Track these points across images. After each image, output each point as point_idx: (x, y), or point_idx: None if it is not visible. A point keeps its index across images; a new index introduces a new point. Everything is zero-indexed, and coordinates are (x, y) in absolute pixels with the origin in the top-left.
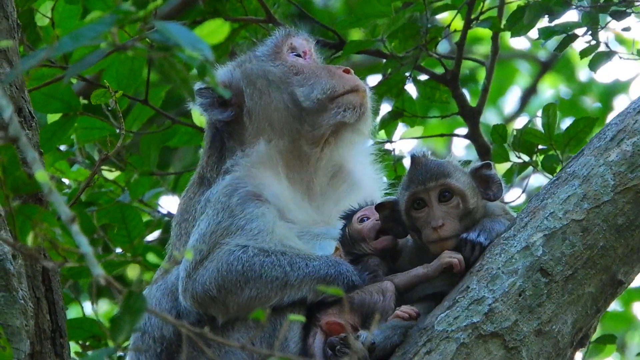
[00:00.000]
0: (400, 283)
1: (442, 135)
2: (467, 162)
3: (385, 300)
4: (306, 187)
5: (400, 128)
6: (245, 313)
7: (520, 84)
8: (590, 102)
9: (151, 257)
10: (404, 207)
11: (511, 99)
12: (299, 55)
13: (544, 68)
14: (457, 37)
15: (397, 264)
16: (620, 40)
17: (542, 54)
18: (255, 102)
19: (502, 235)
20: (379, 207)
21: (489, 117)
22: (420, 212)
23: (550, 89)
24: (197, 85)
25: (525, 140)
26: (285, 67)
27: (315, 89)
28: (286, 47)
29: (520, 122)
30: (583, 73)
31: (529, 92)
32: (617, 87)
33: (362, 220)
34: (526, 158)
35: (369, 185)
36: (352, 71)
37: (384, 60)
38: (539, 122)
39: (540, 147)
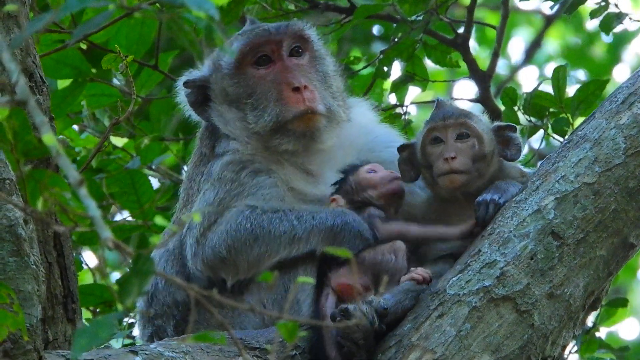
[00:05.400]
0: (416, 234)
1: (452, 99)
2: None
3: (397, 259)
4: (303, 167)
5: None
6: (254, 271)
7: (524, 36)
8: (599, 52)
9: (159, 220)
10: (421, 142)
11: (515, 50)
12: (264, 62)
13: (548, 22)
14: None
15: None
16: None
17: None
18: (222, 115)
19: (514, 199)
20: (401, 148)
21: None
22: (436, 147)
23: (556, 40)
24: (183, 78)
25: (536, 104)
26: (241, 89)
27: (262, 115)
28: (251, 56)
29: (525, 76)
30: (591, 22)
31: (534, 45)
32: (626, 37)
33: (370, 172)
34: (536, 121)
35: (369, 139)
36: (307, 87)
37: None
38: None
39: (550, 110)
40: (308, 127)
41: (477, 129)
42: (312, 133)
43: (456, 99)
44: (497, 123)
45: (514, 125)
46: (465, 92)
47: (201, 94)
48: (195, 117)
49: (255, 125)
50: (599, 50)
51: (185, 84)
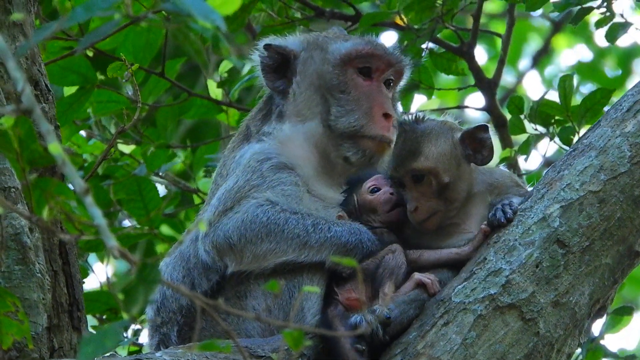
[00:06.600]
0: (430, 260)
1: (459, 107)
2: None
3: (395, 255)
4: (331, 175)
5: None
6: (258, 265)
7: (532, 44)
8: (608, 67)
9: (166, 230)
10: (392, 184)
11: (525, 62)
12: (364, 73)
13: (556, 28)
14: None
15: (405, 233)
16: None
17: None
18: (301, 92)
19: (519, 207)
20: None
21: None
22: (403, 191)
23: (565, 49)
24: (266, 41)
25: (542, 112)
26: (338, 81)
27: (347, 116)
28: (360, 61)
29: (531, 84)
30: (600, 36)
31: (542, 52)
32: (636, 51)
33: (373, 191)
34: (542, 129)
35: None
36: (394, 118)
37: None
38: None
39: (556, 118)
40: (377, 152)
41: (427, 165)
42: (375, 159)
43: (463, 107)
44: (465, 129)
45: (485, 125)
46: (476, 100)
47: (278, 62)
48: (261, 81)
49: (335, 120)
50: (610, 64)
51: (267, 46)
